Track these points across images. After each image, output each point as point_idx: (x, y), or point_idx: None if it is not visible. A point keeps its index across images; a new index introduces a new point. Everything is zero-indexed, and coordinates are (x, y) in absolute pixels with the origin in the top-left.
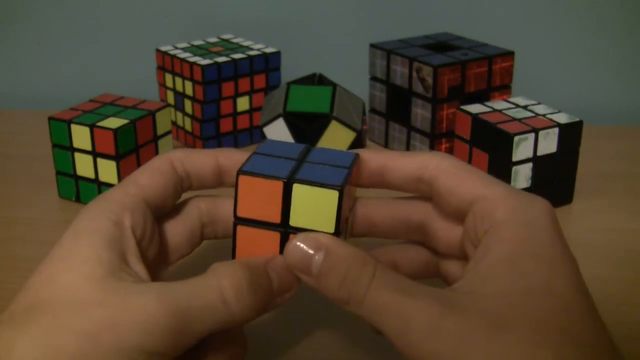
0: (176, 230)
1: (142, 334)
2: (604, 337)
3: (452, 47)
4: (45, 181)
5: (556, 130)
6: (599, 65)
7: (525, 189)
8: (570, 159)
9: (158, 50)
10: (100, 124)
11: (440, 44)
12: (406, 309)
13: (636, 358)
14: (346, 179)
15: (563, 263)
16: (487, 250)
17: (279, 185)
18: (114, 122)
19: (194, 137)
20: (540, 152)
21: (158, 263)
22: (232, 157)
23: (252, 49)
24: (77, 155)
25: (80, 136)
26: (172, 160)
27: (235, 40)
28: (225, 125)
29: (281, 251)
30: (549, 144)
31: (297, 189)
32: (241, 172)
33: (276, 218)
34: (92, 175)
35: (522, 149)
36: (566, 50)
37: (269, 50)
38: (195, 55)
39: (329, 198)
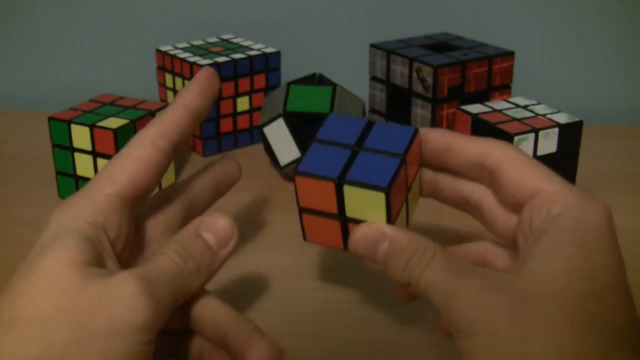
0: (158, 228)
1: (128, 311)
2: (632, 331)
3: (452, 47)
4: (45, 181)
5: (556, 130)
6: (599, 65)
7: None
8: (570, 159)
9: (158, 50)
10: (100, 124)
11: (440, 44)
12: (452, 285)
13: None
14: (395, 176)
15: (605, 255)
16: (536, 241)
17: (330, 186)
18: (114, 122)
19: (194, 137)
20: (540, 152)
21: (135, 258)
22: (195, 99)
23: (252, 49)
24: (77, 155)
25: (80, 136)
26: (151, 140)
27: (235, 40)
28: (225, 125)
29: (344, 235)
30: (549, 144)
31: (348, 189)
32: (297, 173)
33: (333, 209)
34: (92, 175)
35: (522, 149)
36: (566, 50)
37: (269, 50)
38: (195, 55)
39: (377, 197)
